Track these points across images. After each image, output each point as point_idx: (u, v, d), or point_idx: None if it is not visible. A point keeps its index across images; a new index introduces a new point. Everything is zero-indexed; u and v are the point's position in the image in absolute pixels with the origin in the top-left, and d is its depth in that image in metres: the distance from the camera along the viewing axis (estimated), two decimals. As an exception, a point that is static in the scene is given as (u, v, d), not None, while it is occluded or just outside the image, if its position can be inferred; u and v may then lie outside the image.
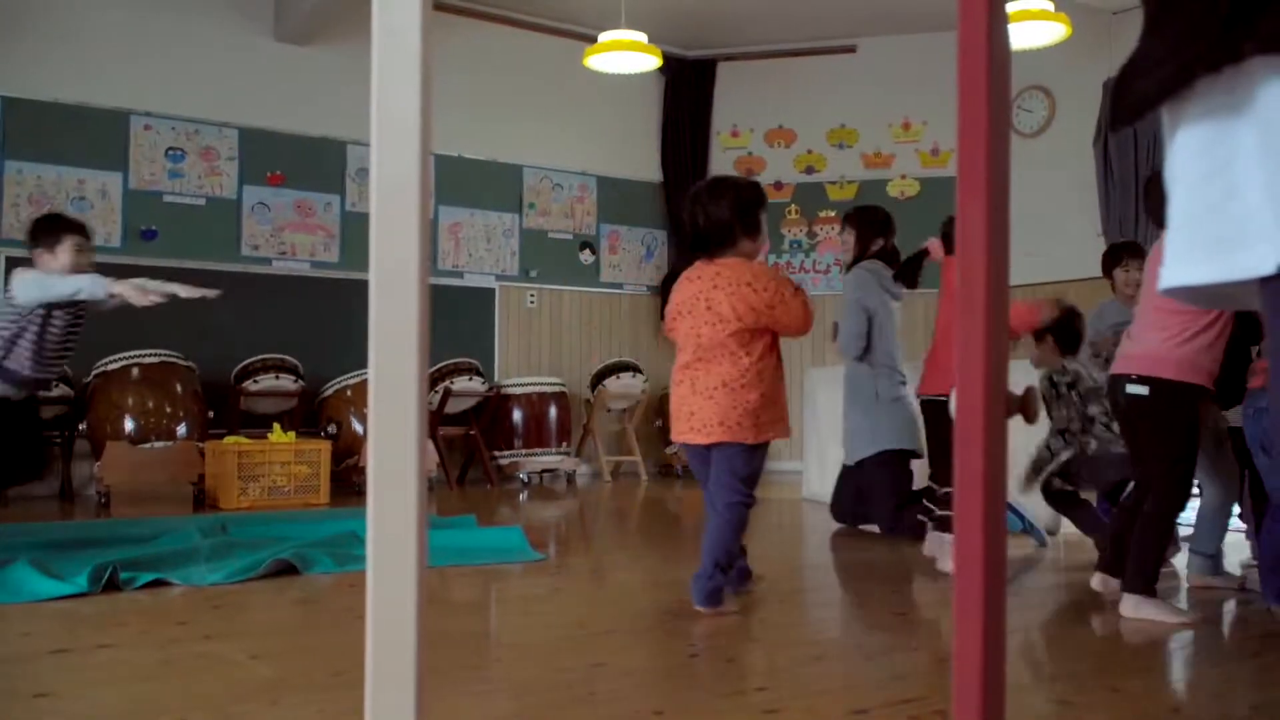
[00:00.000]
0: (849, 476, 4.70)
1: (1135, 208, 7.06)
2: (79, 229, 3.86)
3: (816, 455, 6.10)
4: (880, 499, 4.46)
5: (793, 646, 2.67)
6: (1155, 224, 3.41)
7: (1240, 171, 0.92)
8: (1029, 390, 1.01)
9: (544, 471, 7.33)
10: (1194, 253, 0.97)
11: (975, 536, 0.93)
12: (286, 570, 3.51)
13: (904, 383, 4.57)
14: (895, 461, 4.46)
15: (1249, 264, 0.91)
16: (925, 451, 4.47)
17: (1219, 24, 0.91)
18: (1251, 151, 0.92)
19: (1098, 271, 7.14)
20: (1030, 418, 0.99)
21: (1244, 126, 0.92)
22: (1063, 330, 4.05)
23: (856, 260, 4.65)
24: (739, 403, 2.97)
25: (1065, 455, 3.95)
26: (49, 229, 3.82)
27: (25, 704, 2.08)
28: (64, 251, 3.78)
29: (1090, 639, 2.78)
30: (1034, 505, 4.23)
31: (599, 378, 7.66)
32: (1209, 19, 0.92)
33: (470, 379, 6.97)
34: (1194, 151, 0.98)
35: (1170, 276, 1.00)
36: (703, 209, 3.07)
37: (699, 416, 3.01)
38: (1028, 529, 4.46)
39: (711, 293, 3.01)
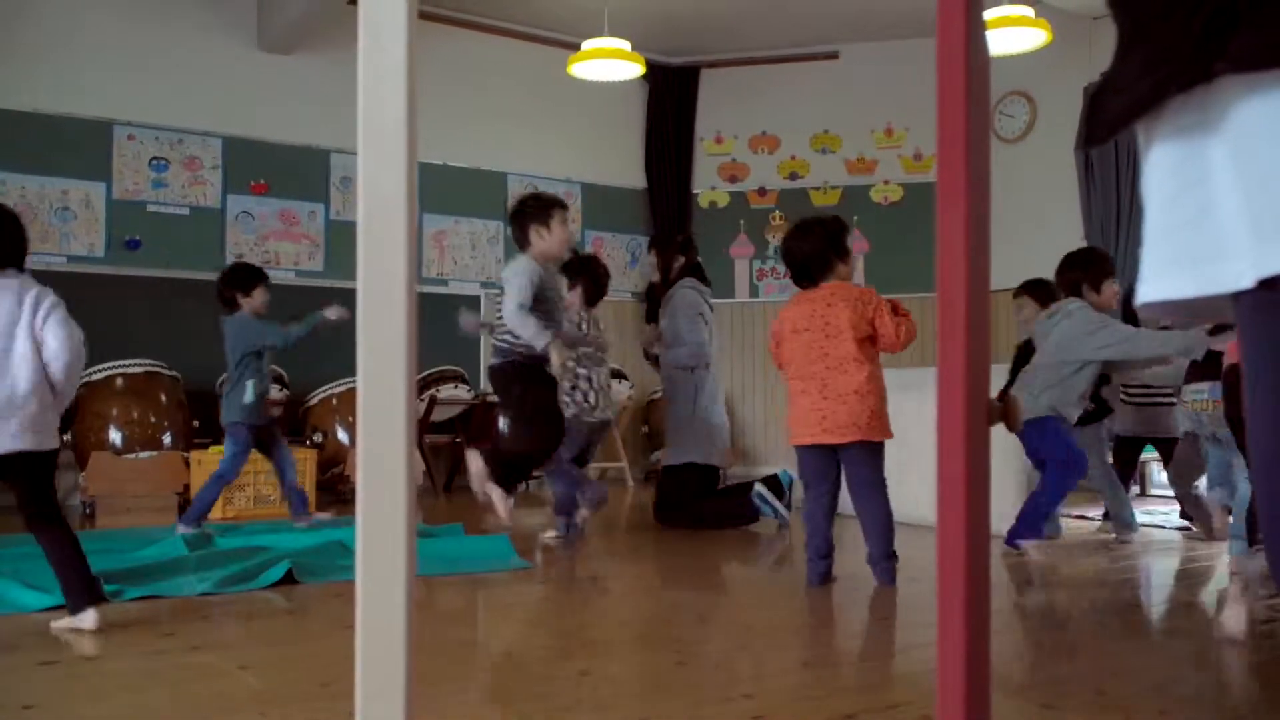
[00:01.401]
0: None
1: (1117, 211, 7.12)
2: (563, 204, 4.24)
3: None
4: (687, 501, 4.93)
5: (779, 653, 2.68)
6: None
7: (1215, 188, 0.94)
8: (1010, 399, 1.02)
9: (530, 478, 7.32)
10: (1172, 267, 0.99)
11: (957, 542, 0.94)
12: (279, 580, 3.51)
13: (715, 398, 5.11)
14: (696, 471, 4.96)
15: (1227, 278, 0.94)
16: (723, 464, 5.12)
17: (1191, 44, 0.92)
18: (1225, 168, 0.94)
19: (1080, 275, 7.22)
20: (1012, 426, 1.00)
21: (1216, 144, 0.94)
22: (593, 281, 4.64)
23: (668, 279, 5.13)
24: (868, 406, 3.41)
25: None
26: (540, 203, 4.19)
27: (13, 716, 2.07)
28: (559, 225, 4.14)
29: (1075, 641, 2.80)
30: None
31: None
32: (1181, 39, 0.94)
33: (456, 387, 6.97)
34: (1168, 168, 1.00)
35: (1148, 291, 1.02)
36: (798, 246, 3.60)
37: (832, 419, 3.43)
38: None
39: (827, 311, 3.48)
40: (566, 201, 4.27)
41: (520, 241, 4.16)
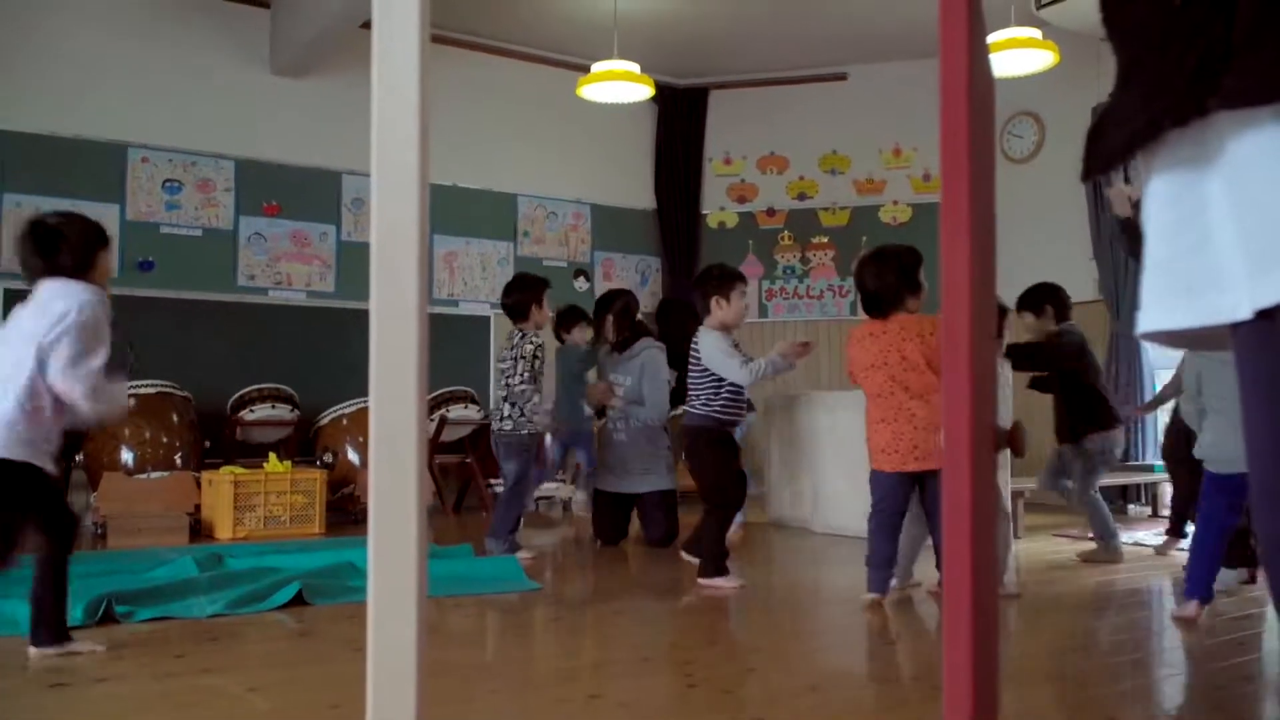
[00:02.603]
0: (617, 502, 5.38)
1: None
2: (743, 277, 4.36)
3: (788, 479, 6.23)
4: (660, 521, 5.27)
5: (789, 676, 2.68)
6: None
7: (1212, 220, 0.95)
8: (1017, 424, 1.03)
9: (540, 499, 7.33)
10: (1169, 298, 1.00)
11: (963, 567, 0.94)
12: (289, 602, 3.51)
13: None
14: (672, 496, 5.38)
15: (1223, 310, 0.94)
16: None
17: (1184, 79, 0.94)
18: (1221, 201, 0.95)
19: (1090, 295, 7.22)
20: (1019, 451, 1.00)
21: (1213, 176, 0.95)
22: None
23: (629, 340, 5.48)
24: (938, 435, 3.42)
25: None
26: (723, 277, 4.29)
27: (23, 738, 2.08)
28: (737, 298, 4.23)
29: (1087, 666, 2.79)
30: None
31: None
32: (1175, 75, 0.95)
33: (465, 407, 6.98)
34: (1166, 199, 1.01)
35: (1146, 321, 1.03)
36: (873, 276, 3.65)
37: (924, 448, 3.50)
38: None
39: (903, 345, 3.56)
40: (746, 276, 4.42)
41: (701, 309, 4.31)
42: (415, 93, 0.96)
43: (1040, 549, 5.13)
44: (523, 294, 5.03)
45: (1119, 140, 1.02)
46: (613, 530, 5.36)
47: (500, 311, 7.94)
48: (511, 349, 4.92)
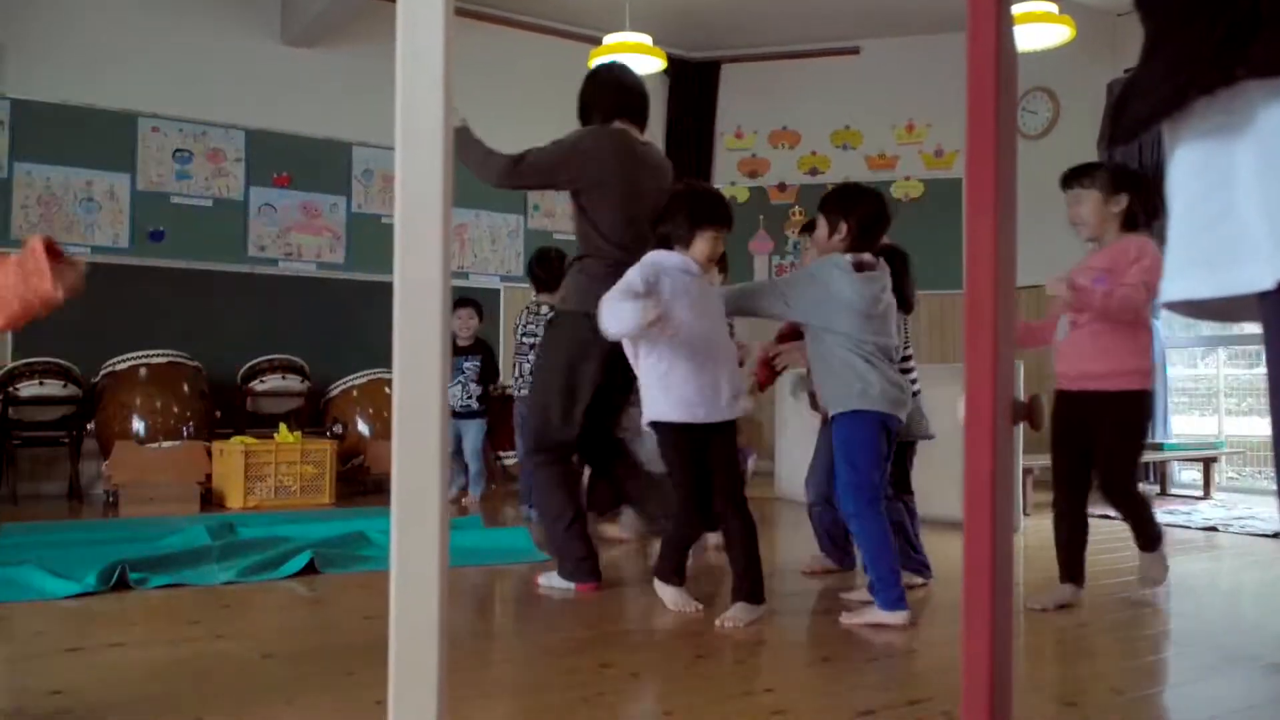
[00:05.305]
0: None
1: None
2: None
3: (787, 455, 6.26)
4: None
5: (799, 648, 2.69)
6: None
7: (1238, 189, 0.95)
8: (1034, 398, 1.03)
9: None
10: (1193, 268, 1.00)
11: (983, 540, 0.95)
12: (300, 570, 3.54)
13: None
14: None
15: (1247, 280, 0.94)
16: None
17: (1212, 49, 0.94)
18: (1249, 170, 0.94)
19: (1102, 273, 7.19)
20: (1036, 424, 1.01)
21: (1241, 145, 0.95)
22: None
23: None
24: None
25: None
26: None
27: (41, 701, 2.10)
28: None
29: (1096, 640, 2.80)
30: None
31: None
32: (1203, 43, 0.95)
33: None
34: (1193, 169, 1.00)
35: (1170, 290, 1.03)
36: None
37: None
38: None
39: None
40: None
41: None
42: (440, 64, 0.96)
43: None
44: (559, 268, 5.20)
45: (1145, 108, 1.02)
46: (608, 499, 5.35)
47: (510, 285, 8.00)
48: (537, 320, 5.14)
